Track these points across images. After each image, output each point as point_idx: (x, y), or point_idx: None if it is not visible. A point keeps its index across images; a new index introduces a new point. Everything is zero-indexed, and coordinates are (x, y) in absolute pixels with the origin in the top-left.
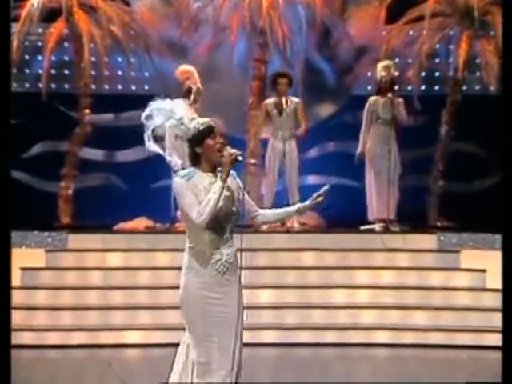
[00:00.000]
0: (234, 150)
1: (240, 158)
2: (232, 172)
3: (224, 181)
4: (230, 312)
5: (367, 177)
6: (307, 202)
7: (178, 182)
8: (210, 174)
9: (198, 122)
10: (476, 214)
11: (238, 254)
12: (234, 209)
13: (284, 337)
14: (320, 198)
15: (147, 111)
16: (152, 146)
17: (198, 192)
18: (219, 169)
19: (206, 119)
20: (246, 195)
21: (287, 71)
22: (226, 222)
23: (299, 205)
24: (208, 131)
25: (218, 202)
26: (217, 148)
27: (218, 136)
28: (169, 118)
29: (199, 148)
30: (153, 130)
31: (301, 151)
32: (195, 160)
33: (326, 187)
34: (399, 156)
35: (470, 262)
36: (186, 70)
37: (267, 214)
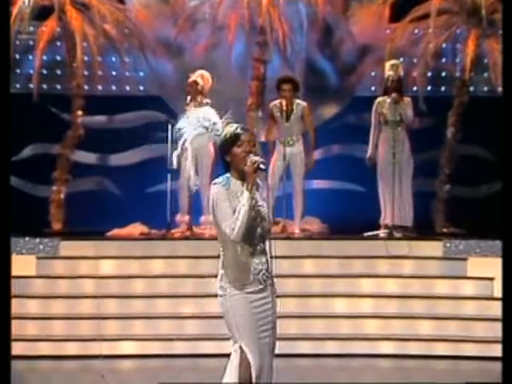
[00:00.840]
0: (256, 158)
1: (262, 167)
2: (258, 181)
3: (250, 191)
4: (271, 317)
5: (378, 181)
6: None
7: (217, 190)
8: (242, 183)
9: (226, 130)
10: (484, 220)
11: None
12: (263, 217)
13: (284, 347)
14: None
15: (180, 124)
16: (175, 161)
17: (235, 201)
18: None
19: (235, 126)
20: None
21: (291, 76)
22: (257, 232)
23: None
24: (234, 139)
25: (247, 214)
26: (242, 156)
27: (246, 143)
28: (199, 126)
29: (227, 156)
30: (184, 142)
31: (307, 156)
32: (227, 168)
33: None
34: (408, 159)
35: (477, 270)
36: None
37: None
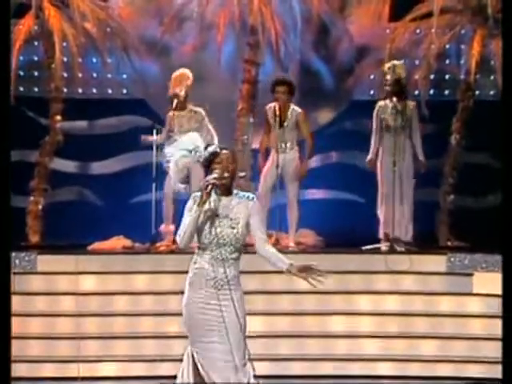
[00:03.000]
0: (213, 176)
1: (205, 187)
2: (244, 194)
3: (199, 205)
4: (221, 324)
5: (379, 191)
6: (296, 270)
7: (189, 200)
8: (224, 197)
9: (208, 149)
10: (490, 233)
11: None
12: (228, 231)
13: (276, 368)
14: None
15: (167, 151)
16: (178, 186)
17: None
18: (235, 191)
19: (215, 145)
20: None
21: (287, 78)
22: (218, 244)
23: (293, 264)
24: (212, 157)
25: (191, 224)
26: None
27: (225, 161)
28: (184, 149)
29: (209, 173)
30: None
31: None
32: None
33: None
34: (408, 169)
35: (483, 286)
36: (179, 74)
37: (261, 247)
